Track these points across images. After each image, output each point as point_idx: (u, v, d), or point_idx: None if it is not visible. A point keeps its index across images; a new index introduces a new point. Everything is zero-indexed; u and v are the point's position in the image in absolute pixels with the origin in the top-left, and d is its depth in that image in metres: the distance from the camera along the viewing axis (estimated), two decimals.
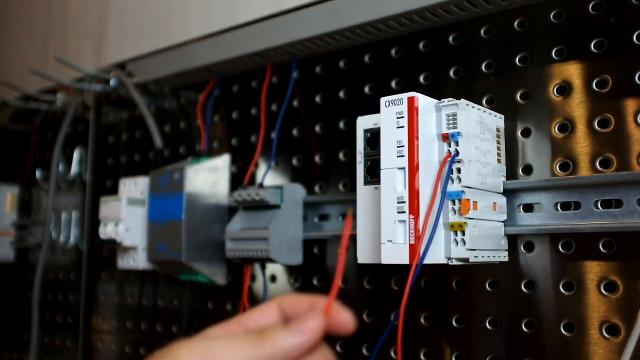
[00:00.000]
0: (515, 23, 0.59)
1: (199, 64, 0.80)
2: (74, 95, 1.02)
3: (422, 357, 0.61)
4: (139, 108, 0.88)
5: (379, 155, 0.51)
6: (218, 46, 0.78)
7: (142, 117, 0.89)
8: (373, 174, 0.55)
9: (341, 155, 0.71)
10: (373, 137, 0.56)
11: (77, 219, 1.02)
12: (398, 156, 0.50)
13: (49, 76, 0.94)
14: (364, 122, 0.57)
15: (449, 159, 0.50)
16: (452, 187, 0.50)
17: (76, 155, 1.02)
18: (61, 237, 1.03)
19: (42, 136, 1.13)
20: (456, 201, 0.49)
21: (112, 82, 0.94)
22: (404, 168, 0.49)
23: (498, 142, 0.56)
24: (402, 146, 0.49)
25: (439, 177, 0.50)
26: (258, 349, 0.30)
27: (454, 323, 0.60)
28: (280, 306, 0.35)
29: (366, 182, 0.56)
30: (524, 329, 0.55)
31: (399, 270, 0.63)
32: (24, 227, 1.12)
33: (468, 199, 0.49)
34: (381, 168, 0.51)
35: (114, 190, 0.92)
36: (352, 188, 0.68)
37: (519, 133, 0.57)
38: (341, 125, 0.71)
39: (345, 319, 0.32)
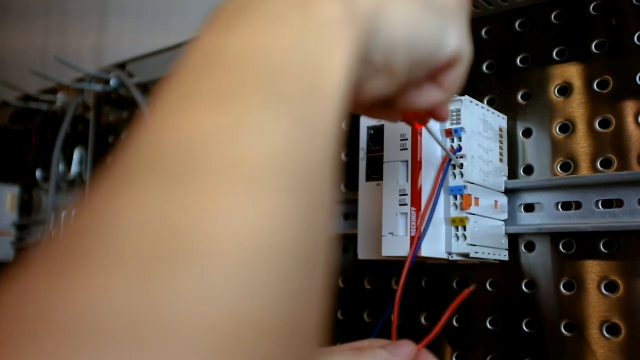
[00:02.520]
0: (517, 24, 0.59)
1: None
2: (74, 95, 1.02)
3: None
4: (140, 108, 0.88)
5: (382, 152, 0.52)
6: None
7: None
8: (375, 171, 0.56)
9: (342, 155, 0.71)
10: (376, 134, 0.56)
11: None
12: (401, 149, 0.50)
13: (49, 76, 0.95)
14: (367, 119, 0.57)
15: (452, 153, 0.50)
16: (454, 182, 0.50)
17: (76, 155, 1.02)
18: (54, 233, 1.03)
19: (42, 136, 1.13)
20: (458, 196, 0.50)
21: (112, 82, 0.94)
22: (406, 161, 0.50)
23: (500, 142, 0.56)
24: (406, 139, 0.50)
25: (441, 169, 0.50)
26: None
27: (454, 323, 0.60)
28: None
29: (368, 179, 0.56)
30: (524, 329, 0.55)
31: (400, 270, 0.63)
32: (24, 227, 1.12)
33: (470, 194, 0.50)
34: (384, 161, 0.51)
35: None
36: (352, 188, 0.68)
37: (519, 133, 0.57)
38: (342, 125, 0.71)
39: None
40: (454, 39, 0.31)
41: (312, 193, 0.21)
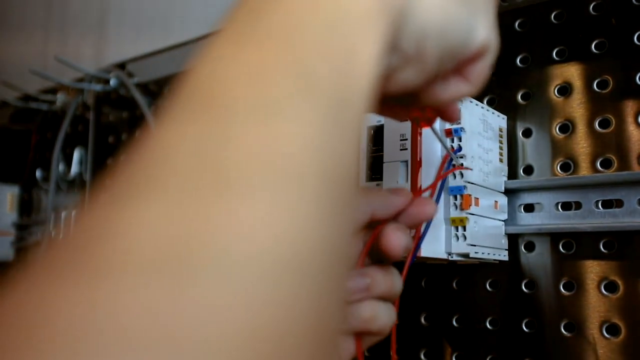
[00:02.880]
0: (517, 23, 0.59)
1: None
2: (74, 95, 1.02)
3: (422, 357, 0.61)
4: (140, 108, 0.88)
5: (382, 152, 0.52)
6: None
7: (142, 117, 0.89)
8: (375, 171, 0.56)
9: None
10: (376, 134, 0.56)
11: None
12: (401, 149, 0.50)
13: (49, 76, 0.95)
14: (367, 120, 0.57)
15: (452, 152, 0.50)
16: (454, 182, 0.50)
17: (76, 155, 1.02)
18: (61, 237, 1.03)
19: (42, 136, 1.13)
20: (458, 196, 0.50)
21: (112, 82, 0.94)
22: (406, 161, 0.50)
23: (500, 142, 0.56)
24: (406, 139, 0.50)
25: (441, 169, 0.50)
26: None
27: (454, 323, 0.60)
28: None
29: (368, 179, 0.56)
30: (524, 329, 0.55)
31: (400, 270, 0.63)
32: (24, 227, 1.12)
33: (470, 195, 0.50)
34: (384, 161, 0.51)
35: None
36: None
37: (519, 133, 0.57)
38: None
39: (429, 206, 0.39)
40: (483, 29, 0.30)
41: (338, 193, 0.20)
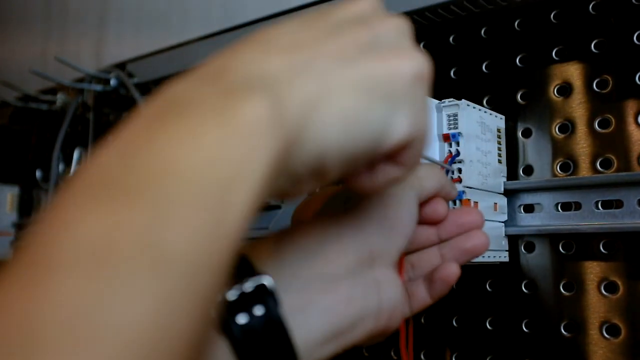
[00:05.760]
0: (516, 23, 0.59)
1: (199, 64, 0.80)
2: (74, 95, 1.02)
3: (422, 357, 0.61)
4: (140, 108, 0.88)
5: None
6: (218, 46, 0.78)
7: None
8: None
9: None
10: None
11: None
12: None
13: (49, 76, 0.94)
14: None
15: (450, 159, 0.50)
16: None
17: (76, 155, 1.02)
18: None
19: (42, 136, 1.13)
20: (457, 201, 0.50)
21: (112, 82, 0.94)
22: None
23: (499, 143, 0.55)
24: None
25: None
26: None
27: (454, 323, 0.60)
28: None
29: None
30: (524, 329, 0.55)
31: None
32: (24, 227, 1.12)
33: (469, 199, 0.49)
34: None
35: None
36: None
37: (519, 133, 0.57)
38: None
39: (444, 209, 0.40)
40: (403, 124, 0.28)
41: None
